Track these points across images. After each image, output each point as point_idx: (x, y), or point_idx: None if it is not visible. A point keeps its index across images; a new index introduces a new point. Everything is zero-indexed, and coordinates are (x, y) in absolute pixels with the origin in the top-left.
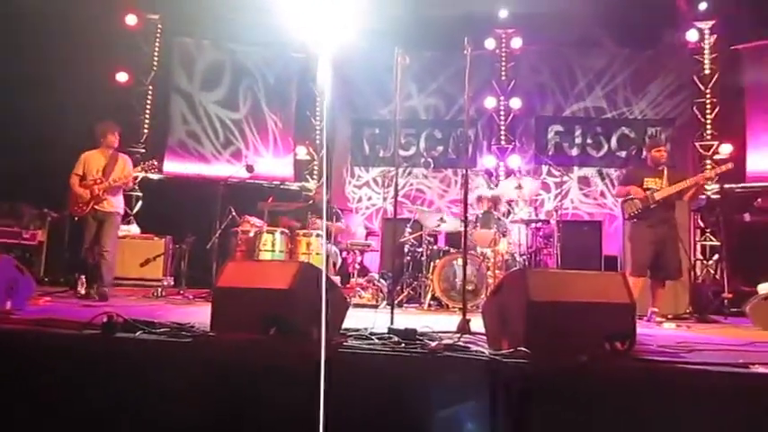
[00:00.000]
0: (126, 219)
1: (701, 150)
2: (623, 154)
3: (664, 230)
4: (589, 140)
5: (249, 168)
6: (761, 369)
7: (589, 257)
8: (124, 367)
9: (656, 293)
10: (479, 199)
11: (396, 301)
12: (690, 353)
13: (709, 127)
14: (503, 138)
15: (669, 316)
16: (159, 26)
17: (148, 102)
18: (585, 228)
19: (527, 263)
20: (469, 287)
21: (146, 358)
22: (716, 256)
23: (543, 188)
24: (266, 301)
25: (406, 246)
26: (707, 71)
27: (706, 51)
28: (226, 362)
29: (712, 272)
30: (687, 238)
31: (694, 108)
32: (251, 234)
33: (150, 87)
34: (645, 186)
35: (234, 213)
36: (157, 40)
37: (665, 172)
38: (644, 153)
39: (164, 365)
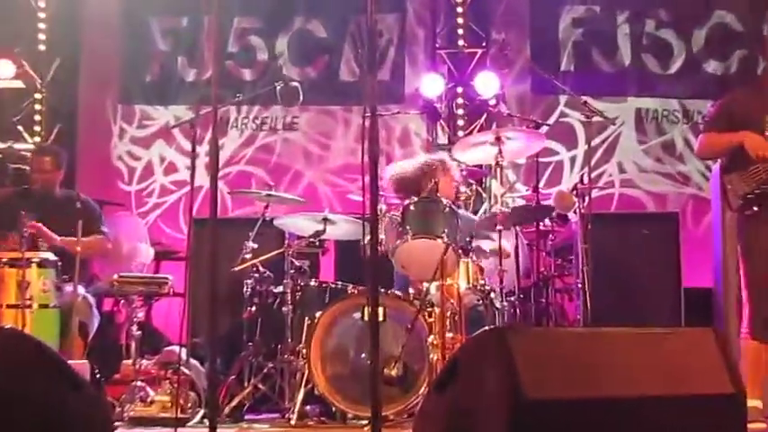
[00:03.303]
0: None
1: None
2: (718, 68)
3: None
4: (646, 39)
5: None
6: None
7: (654, 294)
8: None
9: None
10: (422, 170)
11: (226, 410)
12: None
13: None
14: (461, 31)
15: None
16: None
17: None
18: (646, 230)
19: (516, 312)
20: (391, 372)
21: None
22: None
23: (555, 138)
24: None
25: (248, 282)
26: None
27: None
28: None
29: None
30: None
31: None
32: None
33: None
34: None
35: None
36: None
37: None
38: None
39: None
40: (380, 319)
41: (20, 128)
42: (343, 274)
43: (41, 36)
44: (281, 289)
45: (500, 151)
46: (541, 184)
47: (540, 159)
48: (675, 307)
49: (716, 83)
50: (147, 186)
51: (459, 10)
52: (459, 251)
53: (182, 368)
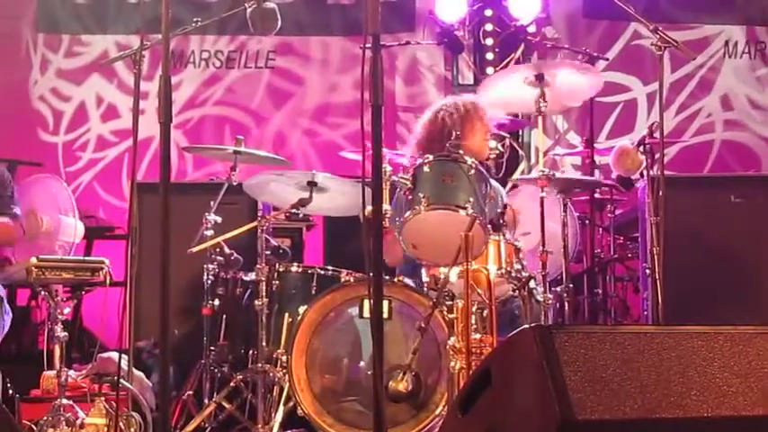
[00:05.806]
0: None
1: None
2: None
3: None
4: None
5: None
6: None
7: (752, 283)
8: None
9: None
10: (446, 117)
11: None
12: None
13: None
14: None
15: None
16: None
17: None
18: (736, 197)
19: (563, 306)
20: (399, 386)
21: None
22: None
23: (625, 68)
24: None
25: (210, 267)
26: None
27: None
28: None
29: None
30: None
31: None
32: None
33: None
34: None
35: None
36: None
37: None
38: None
39: None
40: (385, 315)
41: None
42: (335, 257)
43: None
44: (252, 276)
45: (542, 94)
46: (604, 134)
47: (604, 99)
48: None
49: None
50: (80, 136)
51: None
52: (489, 226)
53: (122, 382)
